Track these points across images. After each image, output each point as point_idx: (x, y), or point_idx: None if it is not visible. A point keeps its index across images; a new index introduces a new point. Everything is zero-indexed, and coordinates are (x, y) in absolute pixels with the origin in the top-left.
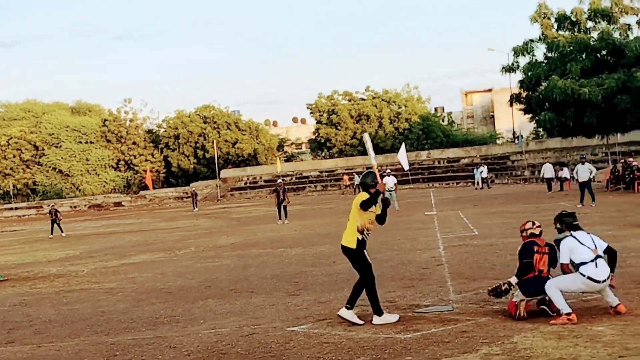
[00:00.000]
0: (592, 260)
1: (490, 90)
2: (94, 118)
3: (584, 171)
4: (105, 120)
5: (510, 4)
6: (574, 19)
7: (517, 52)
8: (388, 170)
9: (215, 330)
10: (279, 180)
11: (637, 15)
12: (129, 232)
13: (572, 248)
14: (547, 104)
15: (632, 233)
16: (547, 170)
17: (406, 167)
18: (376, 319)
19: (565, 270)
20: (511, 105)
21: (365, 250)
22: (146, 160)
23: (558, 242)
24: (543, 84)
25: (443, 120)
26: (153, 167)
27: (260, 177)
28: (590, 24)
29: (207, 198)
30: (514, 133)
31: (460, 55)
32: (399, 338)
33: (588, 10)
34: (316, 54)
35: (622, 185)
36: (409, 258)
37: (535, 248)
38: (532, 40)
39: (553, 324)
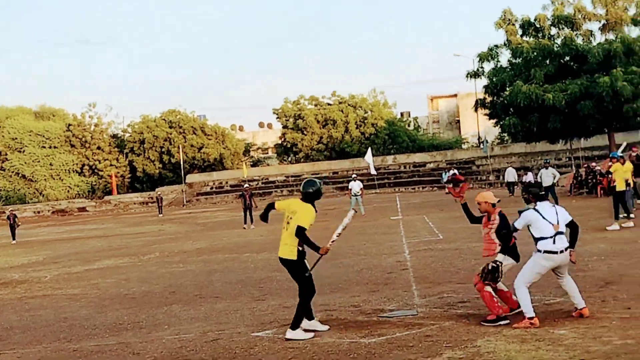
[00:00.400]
0: (551, 237)
1: (455, 95)
2: (57, 123)
3: (548, 176)
4: (70, 124)
5: (475, 10)
6: (538, 26)
7: (482, 57)
8: (354, 175)
9: (180, 335)
10: (246, 185)
11: (599, 21)
12: (93, 238)
13: (535, 221)
14: (511, 109)
15: (594, 237)
16: (510, 175)
17: (373, 172)
18: (290, 333)
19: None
20: (476, 110)
21: (305, 260)
22: (111, 165)
23: (521, 212)
24: (507, 89)
25: (409, 125)
26: (118, 172)
27: (227, 182)
28: (554, 30)
29: (173, 203)
30: (479, 138)
31: (427, 61)
32: (364, 342)
33: (552, 16)
34: (282, 59)
35: (585, 189)
36: (375, 262)
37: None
38: (497, 46)
39: (516, 328)
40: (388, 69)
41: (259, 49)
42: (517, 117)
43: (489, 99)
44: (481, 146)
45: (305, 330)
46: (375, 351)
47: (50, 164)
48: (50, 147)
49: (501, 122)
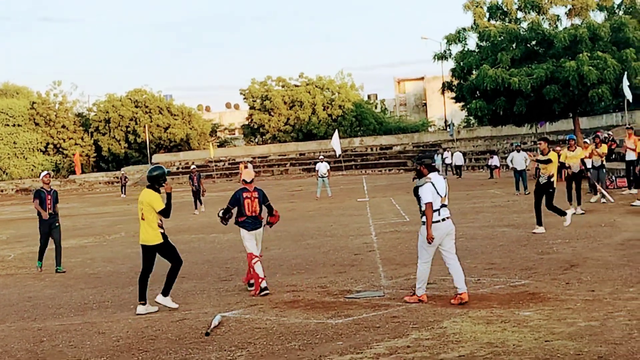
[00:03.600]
0: (437, 209)
1: (422, 78)
2: (22, 100)
3: (520, 159)
4: (34, 102)
5: None
6: (505, 9)
7: (450, 40)
8: (321, 157)
9: (146, 315)
10: (193, 166)
11: (565, 6)
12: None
13: (432, 193)
14: (478, 92)
15: (558, 220)
16: (457, 158)
17: (339, 153)
18: (161, 298)
19: (428, 209)
20: (443, 93)
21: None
22: (76, 144)
23: (417, 188)
24: (474, 72)
25: (376, 108)
26: (83, 151)
27: (193, 163)
28: (520, 14)
29: (139, 183)
30: (445, 121)
31: (394, 44)
32: (331, 323)
33: (518, 0)
34: (250, 39)
35: None
36: (342, 244)
37: (245, 194)
38: (464, 29)
39: (407, 302)
40: (355, 51)
41: (226, 29)
42: (483, 100)
43: (455, 82)
44: (448, 129)
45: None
46: (342, 332)
47: (14, 143)
48: (14, 125)
49: (468, 106)
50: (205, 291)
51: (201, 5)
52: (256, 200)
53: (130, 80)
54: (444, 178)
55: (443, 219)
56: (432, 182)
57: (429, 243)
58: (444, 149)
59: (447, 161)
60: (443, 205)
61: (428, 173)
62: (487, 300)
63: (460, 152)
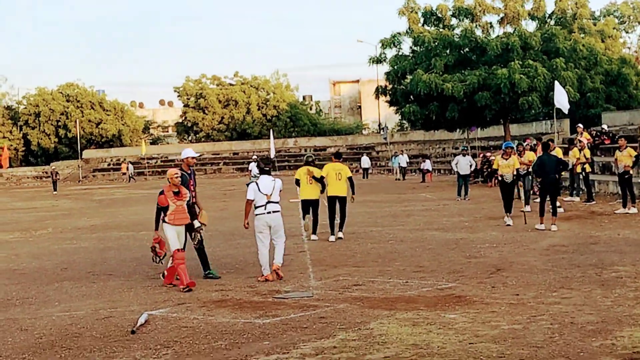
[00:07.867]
0: (263, 205)
1: (357, 81)
2: None
3: (466, 164)
4: None
5: None
6: (439, 15)
7: (385, 44)
8: (254, 156)
9: (70, 312)
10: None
11: (498, 15)
12: None
13: (255, 192)
14: (411, 97)
15: (486, 225)
16: (364, 162)
17: (273, 154)
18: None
19: (246, 204)
20: (377, 97)
21: None
22: (4, 137)
23: (248, 185)
24: (408, 77)
25: (311, 109)
26: (11, 145)
27: (125, 159)
28: (454, 21)
29: (68, 178)
30: (379, 124)
31: (330, 46)
32: (258, 323)
33: (452, 7)
34: (185, 37)
35: (480, 178)
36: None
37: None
38: (399, 34)
39: (260, 280)
40: (291, 52)
41: (161, 26)
42: (417, 105)
43: (390, 86)
44: (381, 132)
45: None
46: (269, 332)
47: None
48: None
49: (401, 110)
50: (133, 289)
51: (136, 2)
52: None
53: (62, 74)
54: (273, 180)
55: (269, 212)
56: (256, 183)
57: (245, 228)
58: (402, 152)
59: (402, 164)
60: (269, 202)
61: (260, 174)
62: (414, 302)
63: (367, 156)
